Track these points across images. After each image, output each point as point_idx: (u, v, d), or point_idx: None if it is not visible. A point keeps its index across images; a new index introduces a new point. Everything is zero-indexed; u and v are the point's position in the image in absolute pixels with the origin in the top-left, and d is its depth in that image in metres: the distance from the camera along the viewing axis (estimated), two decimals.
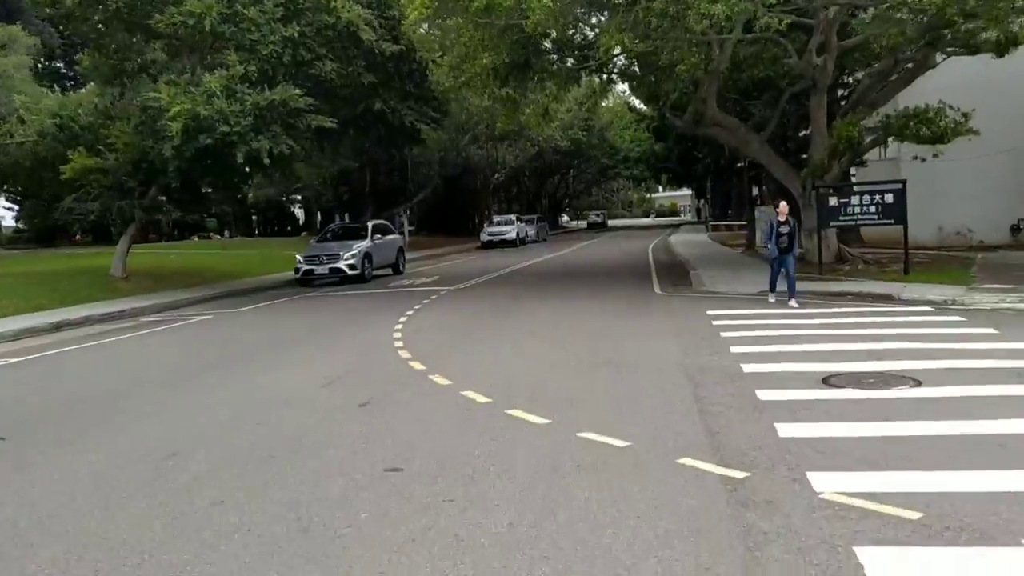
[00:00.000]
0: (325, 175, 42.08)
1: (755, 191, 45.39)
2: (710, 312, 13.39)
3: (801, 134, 26.79)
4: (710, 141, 35.91)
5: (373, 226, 25.70)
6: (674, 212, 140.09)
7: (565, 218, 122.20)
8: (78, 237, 46.12)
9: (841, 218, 17.85)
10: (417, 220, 58.91)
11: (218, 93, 18.30)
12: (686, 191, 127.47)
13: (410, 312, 15.72)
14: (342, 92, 23.06)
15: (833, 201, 17.88)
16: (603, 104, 58.02)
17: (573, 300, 16.63)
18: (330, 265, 23.37)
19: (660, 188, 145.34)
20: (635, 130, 72.59)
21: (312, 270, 23.52)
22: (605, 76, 27.28)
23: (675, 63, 18.76)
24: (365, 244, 24.40)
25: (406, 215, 42.82)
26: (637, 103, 61.39)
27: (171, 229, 51.49)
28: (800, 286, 14.55)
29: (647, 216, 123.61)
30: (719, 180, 53.49)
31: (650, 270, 24.38)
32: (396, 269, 26.64)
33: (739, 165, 33.21)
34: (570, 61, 24.52)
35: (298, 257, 24.07)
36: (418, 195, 46.78)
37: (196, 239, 60.15)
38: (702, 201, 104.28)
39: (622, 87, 68.29)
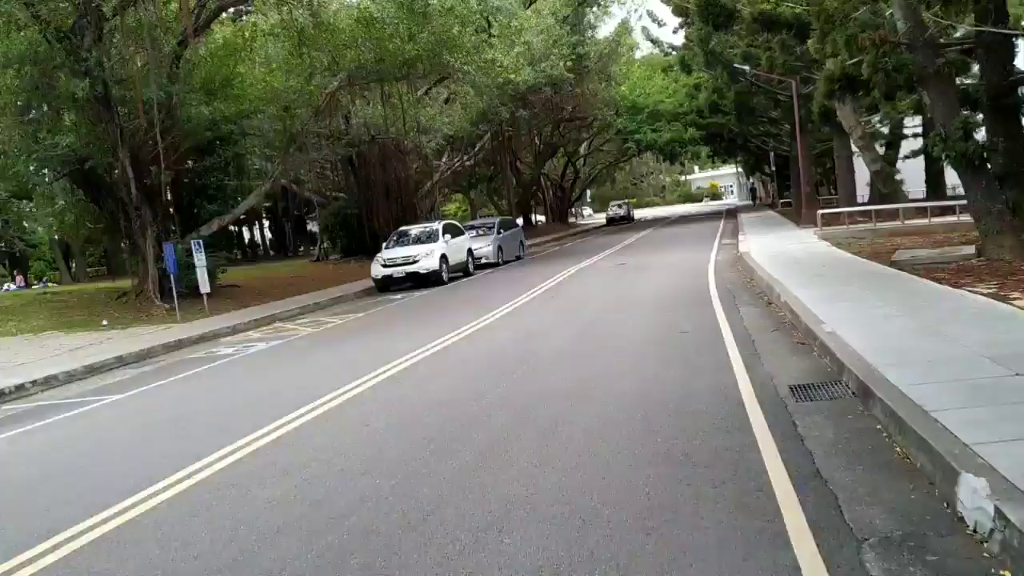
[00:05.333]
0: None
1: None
2: None
3: None
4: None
5: None
6: (715, 196, 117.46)
7: (588, 212, 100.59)
8: None
9: None
10: (333, 237, 37.07)
11: None
12: (727, 169, 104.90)
13: None
14: None
15: None
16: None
17: None
18: None
19: (696, 168, 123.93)
20: (663, 79, 50.27)
21: None
22: None
23: None
24: None
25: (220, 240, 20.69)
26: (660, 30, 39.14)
27: None
28: None
29: (703, 200, 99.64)
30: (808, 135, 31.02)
31: None
32: None
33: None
34: None
35: None
36: (246, 200, 24.70)
37: None
38: (752, 179, 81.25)
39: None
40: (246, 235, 69.82)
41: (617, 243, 33.95)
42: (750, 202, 74.15)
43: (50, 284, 41.57)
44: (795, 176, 39.57)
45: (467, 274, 25.28)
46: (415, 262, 22.67)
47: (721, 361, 8.47)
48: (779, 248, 20.64)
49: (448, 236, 24.22)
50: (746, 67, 30.05)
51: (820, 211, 24.11)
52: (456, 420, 7.15)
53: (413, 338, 12.47)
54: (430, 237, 24.11)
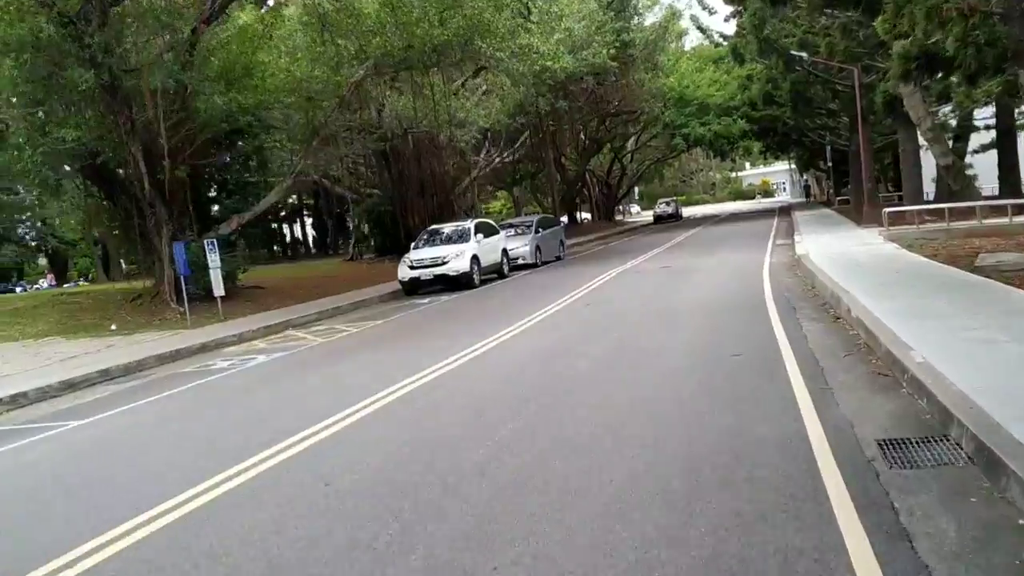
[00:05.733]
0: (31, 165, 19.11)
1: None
2: None
3: None
4: None
5: None
6: (767, 193, 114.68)
7: (636, 209, 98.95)
8: None
9: None
10: (368, 235, 35.82)
11: None
12: (780, 166, 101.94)
13: None
14: None
15: None
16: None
17: None
18: None
19: (747, 165, 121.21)
20: (713, 71, 48.23)
21: None
22: None
23: None
24: None
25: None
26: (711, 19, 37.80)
27: None
28: None
29: (756, 198, 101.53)
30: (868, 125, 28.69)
31: None
32: None
33: None
34: None
35: None
36: (267, 197, 23.37)
37: None
38: (806, 176, 78.35)
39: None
40: (288, 232, 69.28)
41: (664, 242, 32.12)
42: (804, 199, 71.52)
43: (81, 283, 41.03)
44: (854, 172, 37.31)
45: (501, 276, 23.73)
46: (444, 263, 21.16)
47: (783, 398, 6.76)
48: (841, 250, 18.70)
49: (480, 236, 22.66)
50: (803, 54, 27.99)
51: (886, 209, 22.00)
52: (430, 489, 5.50)
53: (425, 353, 10.96)
54: (461, 237, 22.57)
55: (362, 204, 35.07)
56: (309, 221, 65.55)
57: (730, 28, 41.27)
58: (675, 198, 66.03)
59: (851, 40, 27.25)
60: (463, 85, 30.00)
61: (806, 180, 77.86)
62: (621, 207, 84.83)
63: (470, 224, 23.19)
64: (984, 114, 32.84)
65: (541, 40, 23.81)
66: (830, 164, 48.06)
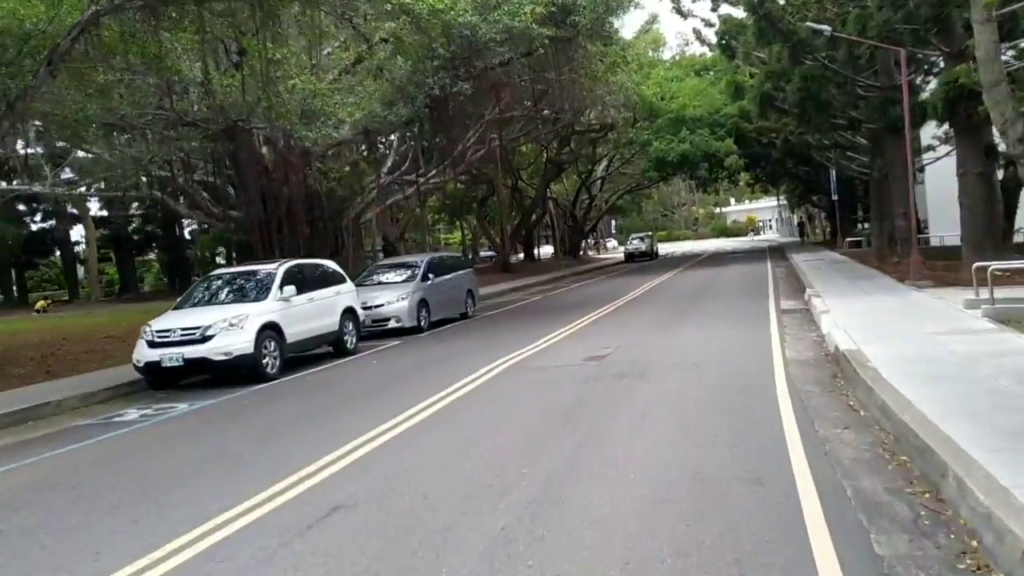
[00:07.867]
0: None
1: None
2: None
3: None
4: None
5: None
6: (754, 230, 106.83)
7: (612, 244, 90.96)
8: None
9: None
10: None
11: None
12: (767, 202, 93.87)
13: None
14: None
15: None
16: None
17: None
18: None
19: (732, 200, 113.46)
20: (698, 80, 39.66)
21: None
22: None
23: None
24: None
25: None
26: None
27: None
28: None
29: (748, 235, 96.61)
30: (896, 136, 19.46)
31: None
32: None
33: None
34: None
35: None
36: None
37: None
38: (802, 212, 69.65)
39: None
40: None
41: (621, 294, 23.19)
42: (797, 239, 62.75)
43: None
44: (877, 205, 28.51)
45: (342, 352, 14.60)
46: (206, 339, 11.93)
47: None
48: (923, 344, 9.64)
49: (292, 289, 13.37)
50: (825, 27, 19.19)
51: (992, 266, 12.37)
52: None
53: None
54: (256, 290, 13.40)
55: (209, 232, 25.87)
56: None
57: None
58: (650, 233, 57.09)
59: (894, 10, 18.53)
60: (339, 76, 20.90)
61: (800, 217, 69.24)
62: (595, 241, 76.17)
63: (276, 268, 13.90)
64: None
65: None
66: (836, 196, 39.27)
